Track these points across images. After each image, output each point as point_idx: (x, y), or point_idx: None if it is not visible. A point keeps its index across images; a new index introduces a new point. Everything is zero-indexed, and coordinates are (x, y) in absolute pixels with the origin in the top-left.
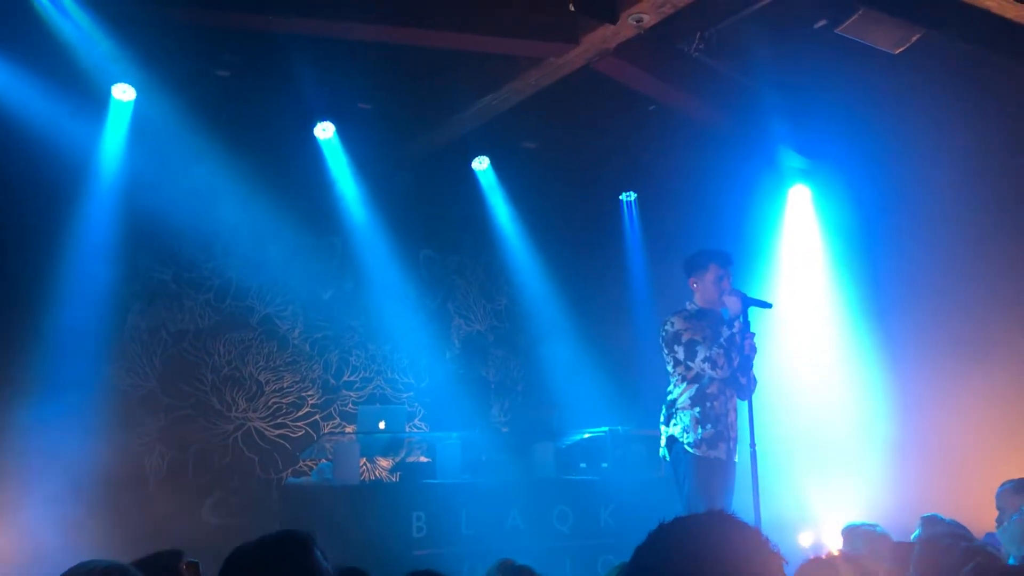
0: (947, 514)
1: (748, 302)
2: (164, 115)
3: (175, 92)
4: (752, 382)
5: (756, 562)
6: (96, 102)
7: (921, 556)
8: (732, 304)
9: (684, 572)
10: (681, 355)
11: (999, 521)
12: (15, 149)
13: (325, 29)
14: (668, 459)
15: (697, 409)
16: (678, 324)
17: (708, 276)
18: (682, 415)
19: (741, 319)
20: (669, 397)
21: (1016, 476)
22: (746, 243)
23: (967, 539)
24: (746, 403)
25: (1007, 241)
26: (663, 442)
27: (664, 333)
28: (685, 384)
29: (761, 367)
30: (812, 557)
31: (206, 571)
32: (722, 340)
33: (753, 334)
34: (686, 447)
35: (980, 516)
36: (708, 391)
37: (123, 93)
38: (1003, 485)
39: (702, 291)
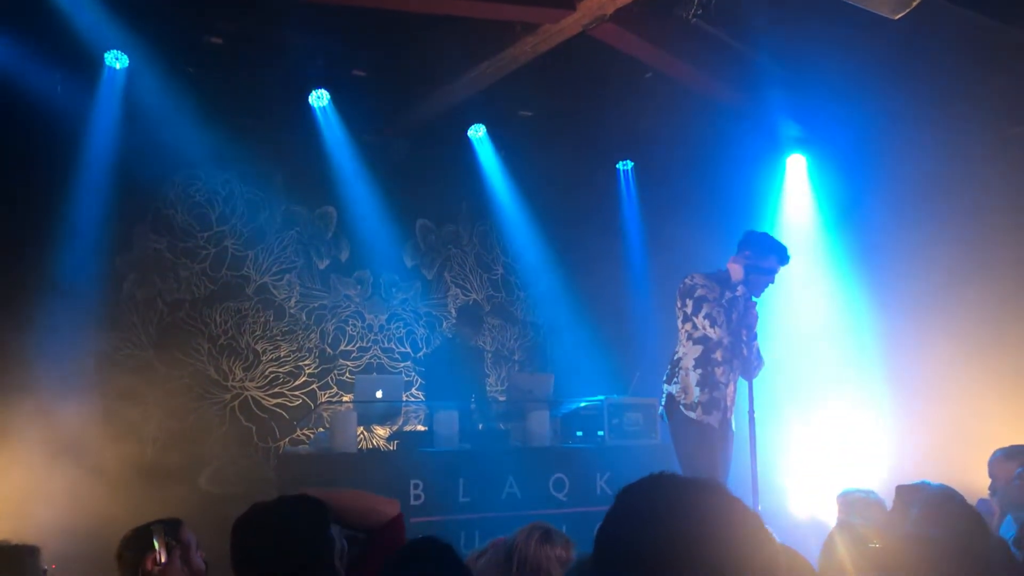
0: (942, 481)
1: (751, 270)
2: (157, 83)
3: (168, 60)
4: (759, 361)
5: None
6: (88, 70)
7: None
8: (735, 271)
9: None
10: (690, 309)
11: (992, 489)
12: (6, 118)
13: None
14: (666, 420)
15: (699, 371)
16: (697, 279)
17: (761, 262)
18: (683, 374)
19: (744, 286)
20: (675, 356)
21: (1009, 443)
22: (742, 212)
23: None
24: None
25: (1006, 211)
26: (663, 400)
27: (682, 285)
28: (691, 344)
29: (760, 337)
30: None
31: (204, 540)
32: (724, 301)
33: (755, 302)
34: (682, 408)
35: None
36: (713, 356)
37: (115, 61)
38: (995, 453)
39: (741, 266)
